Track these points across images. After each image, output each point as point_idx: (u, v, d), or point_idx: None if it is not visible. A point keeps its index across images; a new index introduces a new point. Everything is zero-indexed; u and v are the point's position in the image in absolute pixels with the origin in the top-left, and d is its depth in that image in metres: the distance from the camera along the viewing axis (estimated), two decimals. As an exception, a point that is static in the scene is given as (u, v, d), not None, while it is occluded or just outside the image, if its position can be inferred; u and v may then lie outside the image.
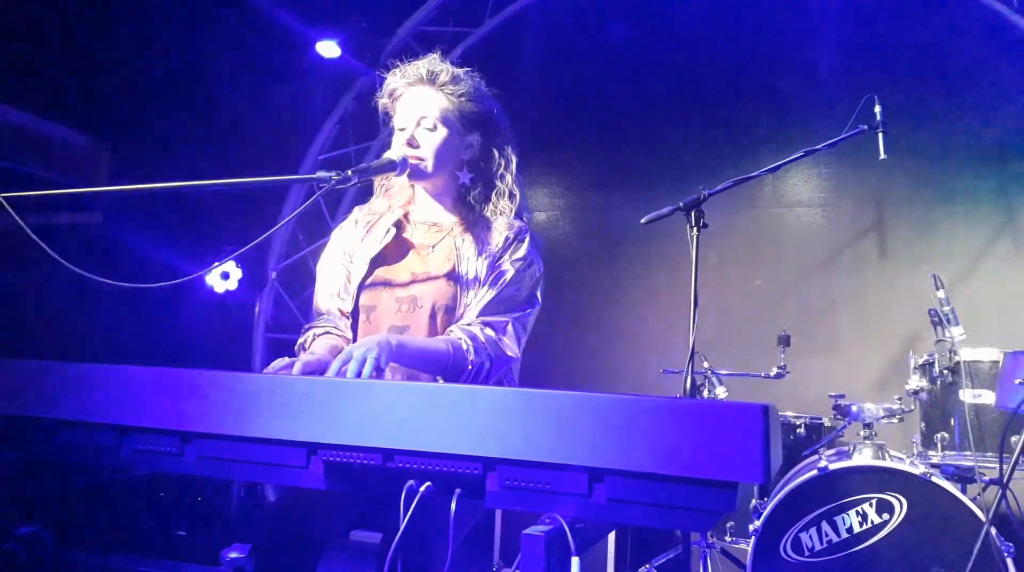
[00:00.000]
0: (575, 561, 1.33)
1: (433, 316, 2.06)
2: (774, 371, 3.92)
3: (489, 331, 2.03)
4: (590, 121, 5.53)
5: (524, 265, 2.14)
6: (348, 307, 2.19)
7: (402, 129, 2.16)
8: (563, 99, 5.56)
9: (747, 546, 3.69)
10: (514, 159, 2.32)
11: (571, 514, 1.37)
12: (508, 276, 2.11)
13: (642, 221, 3.49)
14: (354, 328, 2.17)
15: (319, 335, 2.18)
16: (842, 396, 3.65)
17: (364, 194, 2.39)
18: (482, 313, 2.07)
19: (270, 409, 1.49)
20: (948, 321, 3.26)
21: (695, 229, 3.34)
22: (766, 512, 3.00)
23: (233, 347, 5.56)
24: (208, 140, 5.54)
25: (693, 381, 3.41)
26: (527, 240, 2.18)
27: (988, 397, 3.09)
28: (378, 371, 1.76)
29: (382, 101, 2.28)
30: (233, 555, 1.61)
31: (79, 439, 1.67)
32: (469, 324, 2.04)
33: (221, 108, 5.55)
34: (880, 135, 3.64)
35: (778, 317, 4.82)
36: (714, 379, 4.09)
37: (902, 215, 4.99)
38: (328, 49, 5.11)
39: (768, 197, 5.19)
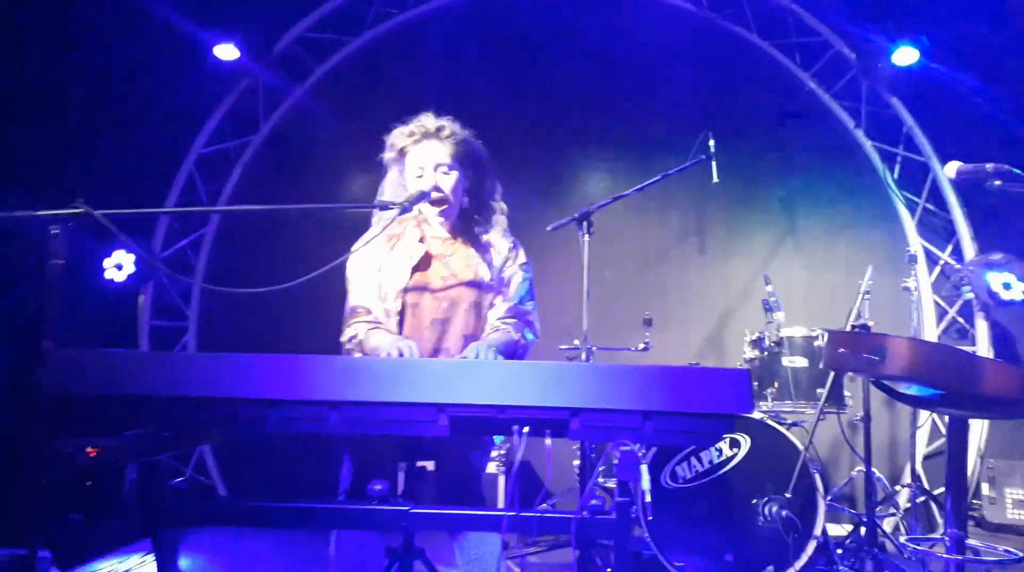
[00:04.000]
0: (644, 468, 2.12)
1: (467, 312, 2.76)
2: (641, 346, 4.78)
3: (521, 321, 2.79)
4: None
5: (527, 267, 2.91)
6: (388, 306, 2.76)
7: (419, 176, 2.78)
8: (436, 110, 6.10)
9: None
10: (498, 185, 3.05)
11: (629, 441, 2.15)
12: (519, 277, 2.87)
13: (548, 228, 4.28)
14: (401, 321, 2.75)
15: (371, 329, 2.70)
16: (697, 364, 4.69)
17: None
18: (513, 307, 2.81)
19: (407, 380, 2.02)
20: (774, 308, 4.35)
21: (586, 235, 4.20)
22: (651, 452, 3.92)
23: (118, 334, 5.65)
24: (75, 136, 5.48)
25: (588, 354, 4.28)
26: (520, 248, 2.95)
27: (800, 362, 4.23)
28: None
29: (388, 155, 2.88)
30: (378, 487, 2.20)
31: (235, 412, 2.15)
32: (507, 317, 2.78)
33: (92, 105, 5.50)
34: (714, 163, 4.69)
35: (624, 302, 5.80)
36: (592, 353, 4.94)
37: (716, 221, 6.03)
38: (227, 52, 5.34)
39: (615, 205, 6.06)
